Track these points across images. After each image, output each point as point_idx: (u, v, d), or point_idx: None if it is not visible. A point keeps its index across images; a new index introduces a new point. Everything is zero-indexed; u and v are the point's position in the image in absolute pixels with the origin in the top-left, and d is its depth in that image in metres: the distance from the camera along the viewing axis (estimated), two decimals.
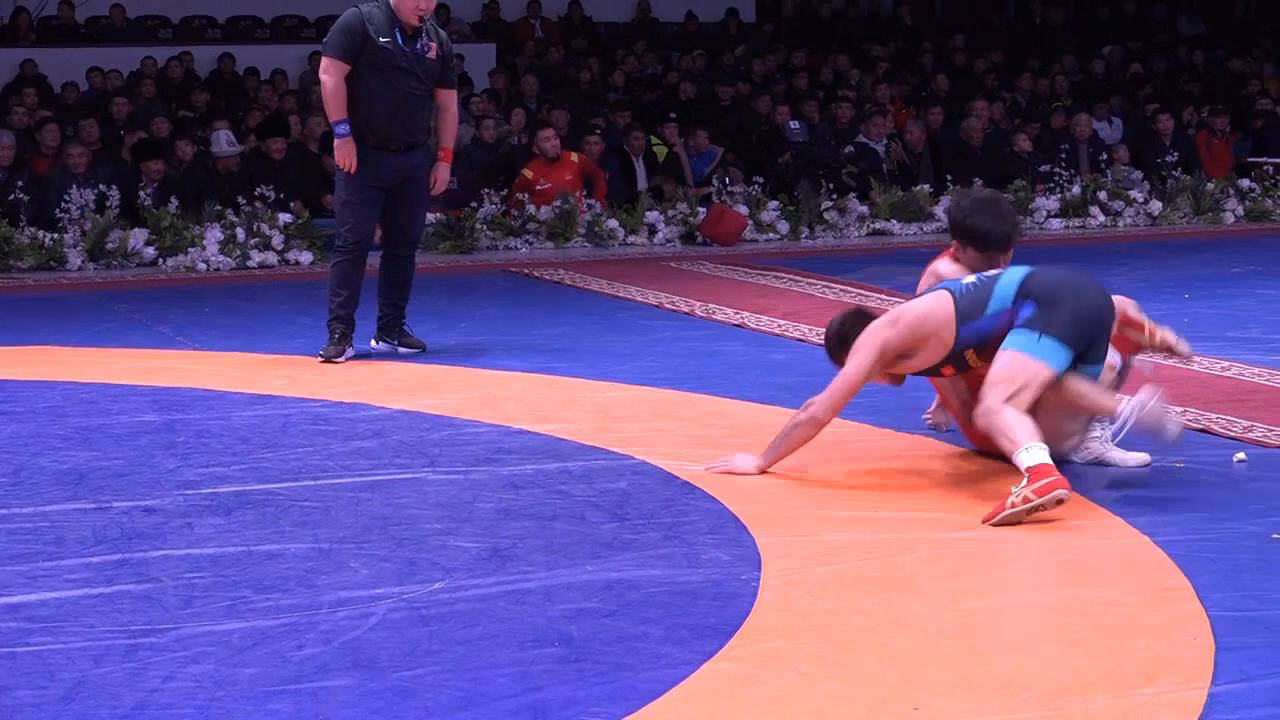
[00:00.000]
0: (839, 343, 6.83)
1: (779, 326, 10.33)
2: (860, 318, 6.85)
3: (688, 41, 22.65)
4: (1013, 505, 5.90)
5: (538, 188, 15.42)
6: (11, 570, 5.42)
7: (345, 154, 9.25)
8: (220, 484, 6.56)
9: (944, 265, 7.36)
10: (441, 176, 9.61)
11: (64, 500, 6.32)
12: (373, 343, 9.61)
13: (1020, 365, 6.35)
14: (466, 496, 6.35)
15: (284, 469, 6.79)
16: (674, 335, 10.15)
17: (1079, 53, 23.22)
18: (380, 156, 9.33)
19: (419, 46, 9.35)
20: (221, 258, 13.73)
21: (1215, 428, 7.41)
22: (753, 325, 10.41)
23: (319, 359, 9.26)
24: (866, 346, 6.67)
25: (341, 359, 9.27)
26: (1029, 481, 5.93)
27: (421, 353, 9.52)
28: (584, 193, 15.49)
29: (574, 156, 15.79)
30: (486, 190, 15.20)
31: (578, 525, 5.95)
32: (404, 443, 7.24)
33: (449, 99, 9.66)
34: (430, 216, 14.77)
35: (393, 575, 5.37)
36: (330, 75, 9.27)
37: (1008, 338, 6.44)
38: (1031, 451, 6.06)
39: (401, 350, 9.57)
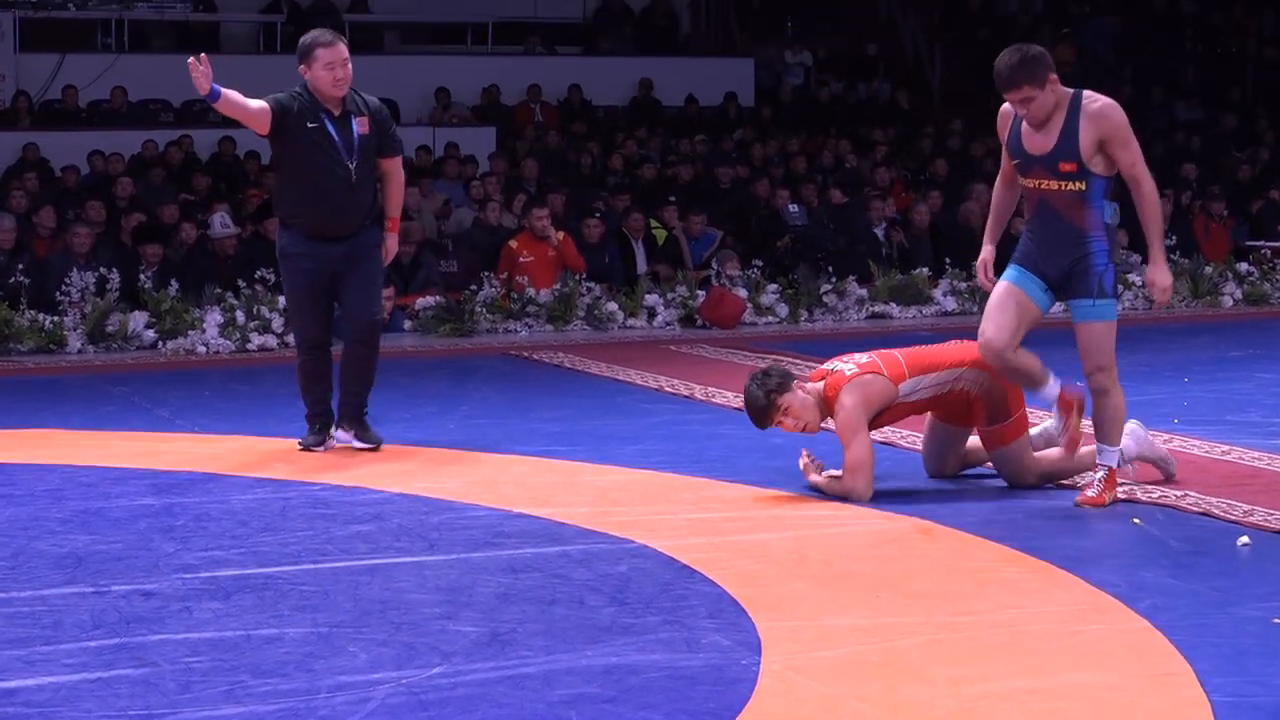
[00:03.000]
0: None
1: None
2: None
3: (687, 125, 22.75)
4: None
5: (519, 259, 15.51)
6: (9, 654, 5.40)
7: (196, 70, 8.46)
8: (219, 568, 6.54)
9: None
10: (390, 247, 9.19)
11: (62, 584, 6.30)
12: (333, 430, 9.20)
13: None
14: (466, 580, 6.33)
15: (283, 552, 6.78)
16: (674, 418, 10.15)
17: None
18: (316, 246, 8.92)
19: (352, 125, 8.91)
20: (221, 341, 13.75)
21: (1216, 511, 7.40)
22: None
23: (298, 447, 9.10)
24: None
25: (322, 448, 9.06)
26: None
27: (376, 450, 9.02)
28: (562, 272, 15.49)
29: (558, 237, 15.78)
30: (486, 274, 15.23)
31: (577, 609, 5.93)
32: (403, 526, 7.23)
33: (392, 166, 9.17)
34: (429, 300, 14.81)
35: (391, 660, 5.35)
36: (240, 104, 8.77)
37: None
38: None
39: (358, 444, 9.07)
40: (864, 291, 16.18)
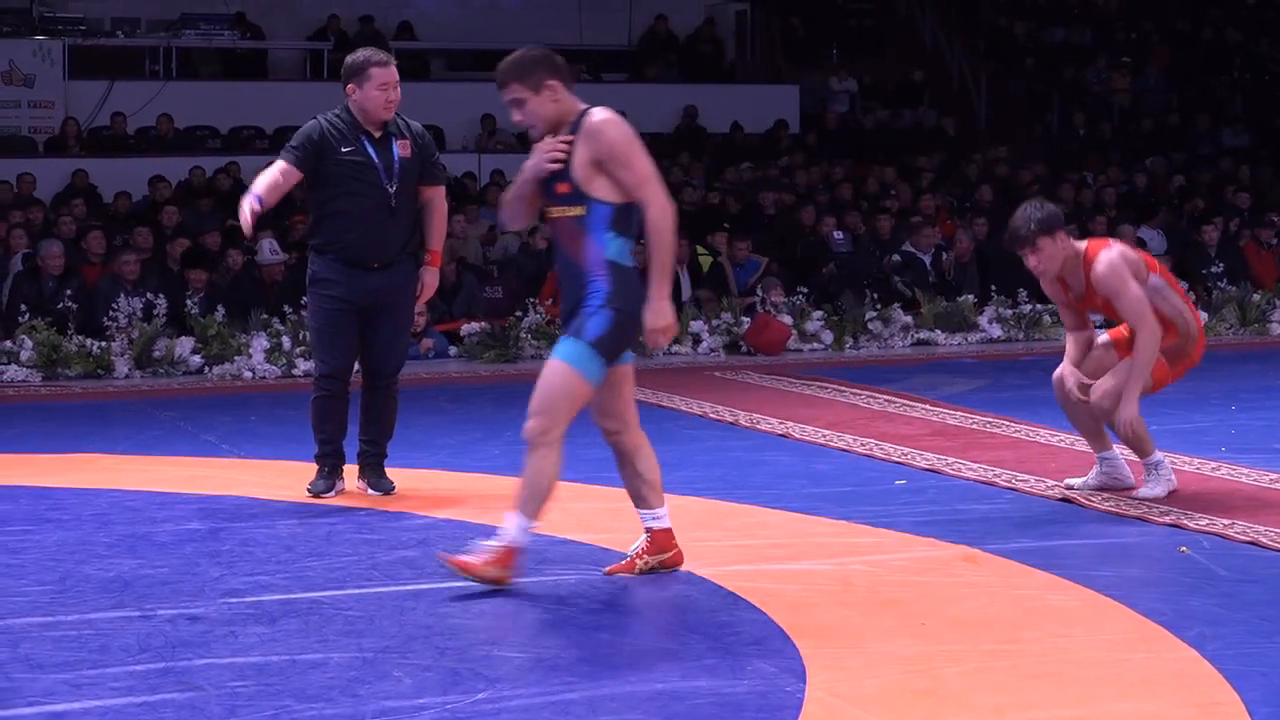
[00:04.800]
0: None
1: (823, 436, 10.31)
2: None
3: (732, 152, 22.77)
4: None
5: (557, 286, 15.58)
6: (56, 678, 5.42)
7: (243, 213, 8.32)
8: (265, 592, 6.56)
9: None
10: (429, 282, 8.73)
11: (109, 608, 6.32)
12: (357, 482, 8.73)
13: None
14: (510, 606, 6.34)
15: (328, 577, 6.79)
16: (718, 445, 10.14)
17: (1122, 164, 23.26)
18: (350, 274, 8.49)
19: (393, 150, 8.52)
20: (267, 366, 13.80)
21: (1264, 540, 7.36)
22: (797, 435, 10.40)
23: (306, 492, 8.62)
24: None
25: (331, 494, 8.58)
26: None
27: (388, 495, 8.63)
28: None
29: None
30: (531, 300, 15.25)
31: (621, 636, 5.94)
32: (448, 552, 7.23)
33: (435, 195, 8.71)
34: (474, 326, 14.84)
35: (436, 685, 5.35)
36: (264, 174, 8.53)
37: None
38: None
39: (371, 492, 8.63)
40: (909, 318, 16.15)
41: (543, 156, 6.60)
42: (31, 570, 6.92)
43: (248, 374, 13.72)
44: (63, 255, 15.15)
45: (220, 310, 14.23)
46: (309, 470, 8.79)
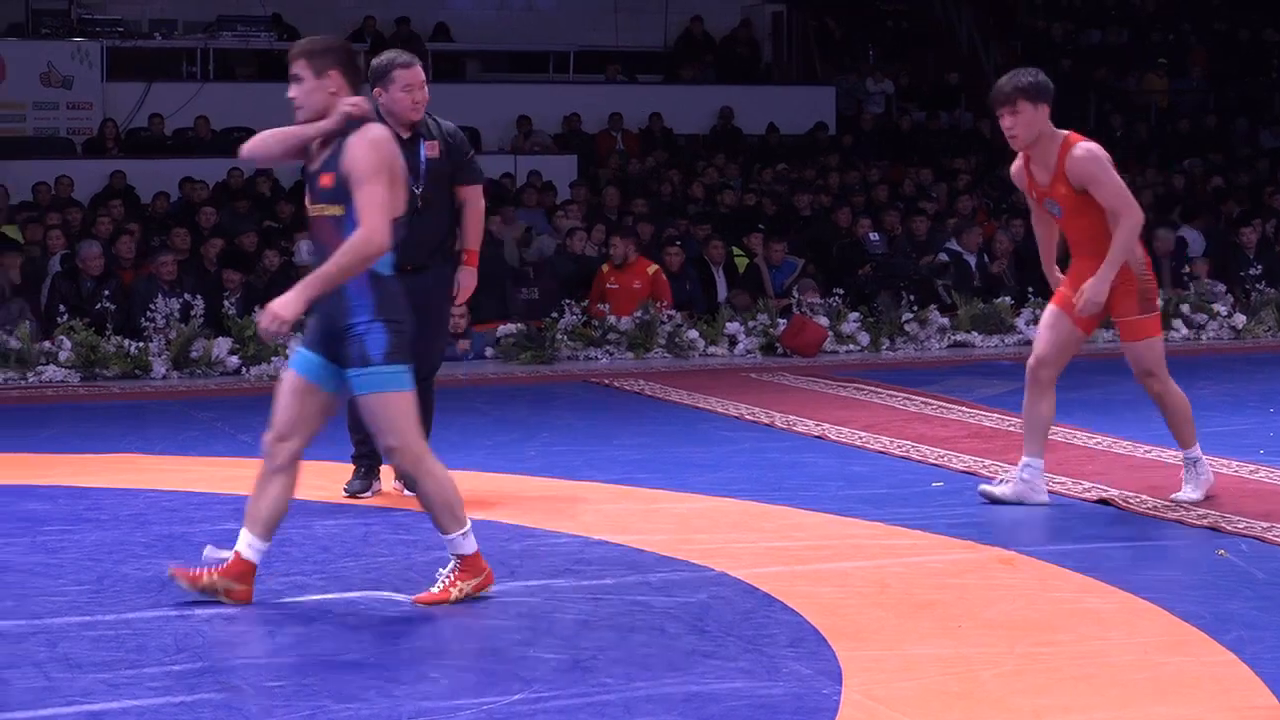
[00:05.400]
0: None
1: (860, 438, 10.30)
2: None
3: (768, 153, 22.76)
4: None
5: (607, 286, 15.62)
6: (94, 678, 5.44)
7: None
8: (302, 592, 6.58)
9: None
10: (465, 283, 8.66)
11: (147, 607, 6.35)
12: (394, 483, 8.66)
13: None
14: (547, 607, 6.34)
15: (365, 578, 6.81)
16: (754, 446, 10.13)
17: (1160, 166, 23.19)
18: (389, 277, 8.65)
19: (419, 151, 8.46)
20: None
21: None
22: (833, 437, 10.39)
23: (343, 493, 8.64)
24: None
25: (367, 494, 8.64)
26: None
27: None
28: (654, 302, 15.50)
29: (650, 268, 15.87)
30: (567, 301, 15.27)
31: (657, 637, 5.94)
32: (484, 552, 7.20)
33: (470, 194, 8.63)
34: (510, 327, 14.85)
35: (472, 686, 5.36)
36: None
37: None
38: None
39: (408, 493, 8.44)
40: (945, 320, 16.12)
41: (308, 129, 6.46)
42: (70, 570, 6.95)
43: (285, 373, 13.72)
44: (101, 256, 15.21)
45: (257, 311, 14.25)
46: (346, 471, 8.81)
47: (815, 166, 22.05)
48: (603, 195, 19.80)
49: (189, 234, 16.28)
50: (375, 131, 6.35)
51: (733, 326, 15.42)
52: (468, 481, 8.93)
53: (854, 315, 15.76)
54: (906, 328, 15.89)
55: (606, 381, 13.42)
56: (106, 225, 16.63)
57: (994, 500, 8.26)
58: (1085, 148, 8.02)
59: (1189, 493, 8.24)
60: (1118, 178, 8.05)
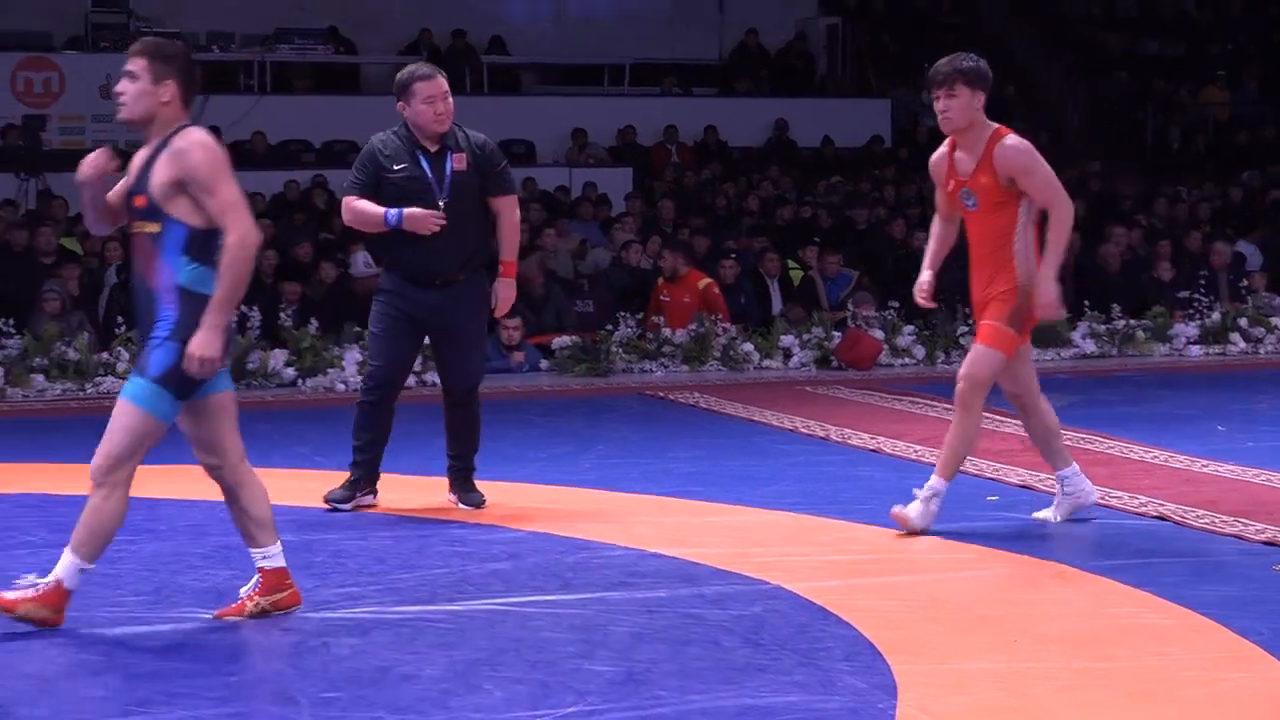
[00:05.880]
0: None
1: (915, 452, 10.28)
2: None
3: (823, 166, 22.74)
4: None
5: (660, 298, 15.66)
6: (152, 687, 5.47)
7: (417, 219, 8.31)
8: (357, 604, 6.60)
9: None
10: (503, 295, 8.58)
11: (204, 618, 6.37)
12: (448, 495, 8.75)
13: None
14: (601, 620, 6.35)
15: (420, 590, 6.82)
16: (809, 459, 10.12)
17: (1217, 178, 23.08)
18: (411, 289, 8.49)
19: (446, 164, 8.46)
20: (360, 378, 13.84)
21: None
22: (889, 450, 10.37)
23: (324, 501, 8.62)
24: None
25: (346, 506, 8.53)
26: None
27: (479, 509, 8.58)
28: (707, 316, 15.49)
29: (701, 282, 15.87)
30: (622, 314, 15.28)
31: (712, 650, 5.93)
32: (539, 565, 7.26)
33: (502, 206, 8.59)
34: (565, 340, 14.87)
35: (527, 698, 5.36)
36: (347, 210, 8.57)
37: None
38: None
39: (462, 506, 8.62)
40: None
41: (86, 164, 6.37)
42: (128, 580, 6.99)
43: (340, 386, 13.79)
44: None
45: (313, 323, 14.32)
46: (401, 482, 8.84)
47: (870, 179, 22.02)
48: (658, 208, 19.81)
49: None
50: (198, 134, 6.17)
51: (787, 339, 15.41)
52: (523, 493, 8.97)
53: (909, 328, 15.72)
54: (962, 341, 15.83)
55: (661, 394, 13.43)
56: None
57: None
58: (1017, 139, 7.87)
59: (912, 521, 7.85)
60: (1049, 169, 7.84)
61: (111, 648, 5.94)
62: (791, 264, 17.49)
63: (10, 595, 6.13)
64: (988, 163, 7.83)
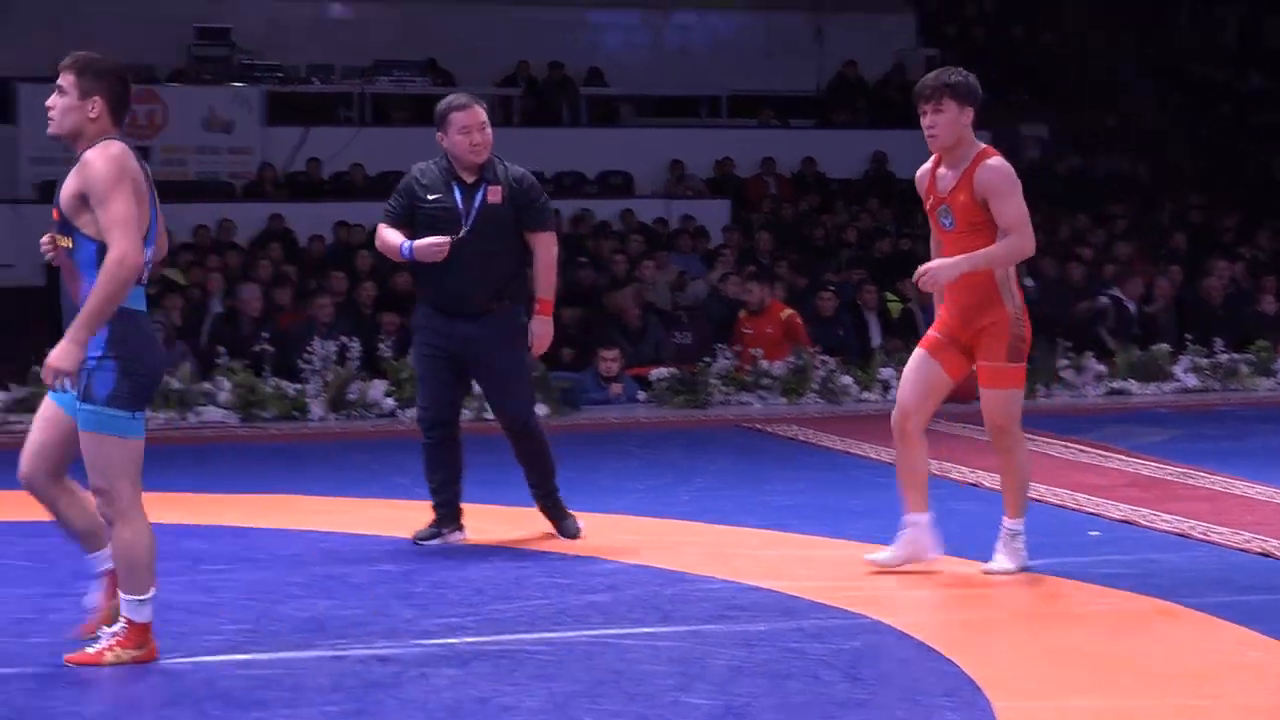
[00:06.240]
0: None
1: None
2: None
3: (919, 198, 22.65)
4: None
5: (742, 330, 15.63)
6: (251, 716, 5.50)
7: (422, 249, 8.28)
8: (456, 634, 6.61)
9: None
10: (539, 333, 8.51)
11: (302, 647, 6.40)
12: (549, 525, 8.76)
13: None
14: (699, 653, 6.33)
15: (519, 621, 6.83)
16: None
17: None
18: (442, 322, 8.49)
19: (478, 195, 8.44)
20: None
21: None
22: (988, 484, 10.29)
23: (411, 539, 8.57)
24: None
25: (431, 542, 8.49)
26: None
27: (574, 539, 8.59)
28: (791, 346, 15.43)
29: (784, 313, 15.84)
30: (720, 345, 15.27)
31: (811, 684, 5.90)
32: (637, 597, 7.25)
33: (540, 241, 8.49)
34: (663, 371, 14.86)
35: None
36: (376, 238, 8.69)
37: None
38: None
39: (560, 536, 8.65)
40: (1103, 367, 15.94)
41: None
42: (228, 609, 7.03)
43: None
44: (260, 298, 15.43)
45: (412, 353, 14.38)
46: (500, 514, 8.85)
47: None
48: (755, 240, 19.79)
49: (346, 277, 16.47)
50: (114, 148, 6.10)
51: (886, 372, 15.34)
52: (621, 525, 8.97)
53: None
54: (1062, 374, 15.73)
55: (759, 426, 13.40)
56: (265, 268, 16.87)
57: (881, 567, 7.70)
58: (1001, 161, 7.63)
59: (1003, 563, 7.71)
60: (1023, 203, 7.57)
61: (212, 676, 5.97)
62: (890, 296, 17.43)
63: (92, 650, 6.12)
64: (967, 180, 7.59)
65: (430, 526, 8.61)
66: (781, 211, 21.70)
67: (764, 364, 15.09)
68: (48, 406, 6.29)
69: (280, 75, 23.13)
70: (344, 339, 14.50)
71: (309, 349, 14.35)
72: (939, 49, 26.29)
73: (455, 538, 8.61)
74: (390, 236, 8.50)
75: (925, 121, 7.65)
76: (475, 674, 6.03)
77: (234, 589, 7.42)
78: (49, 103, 6.23)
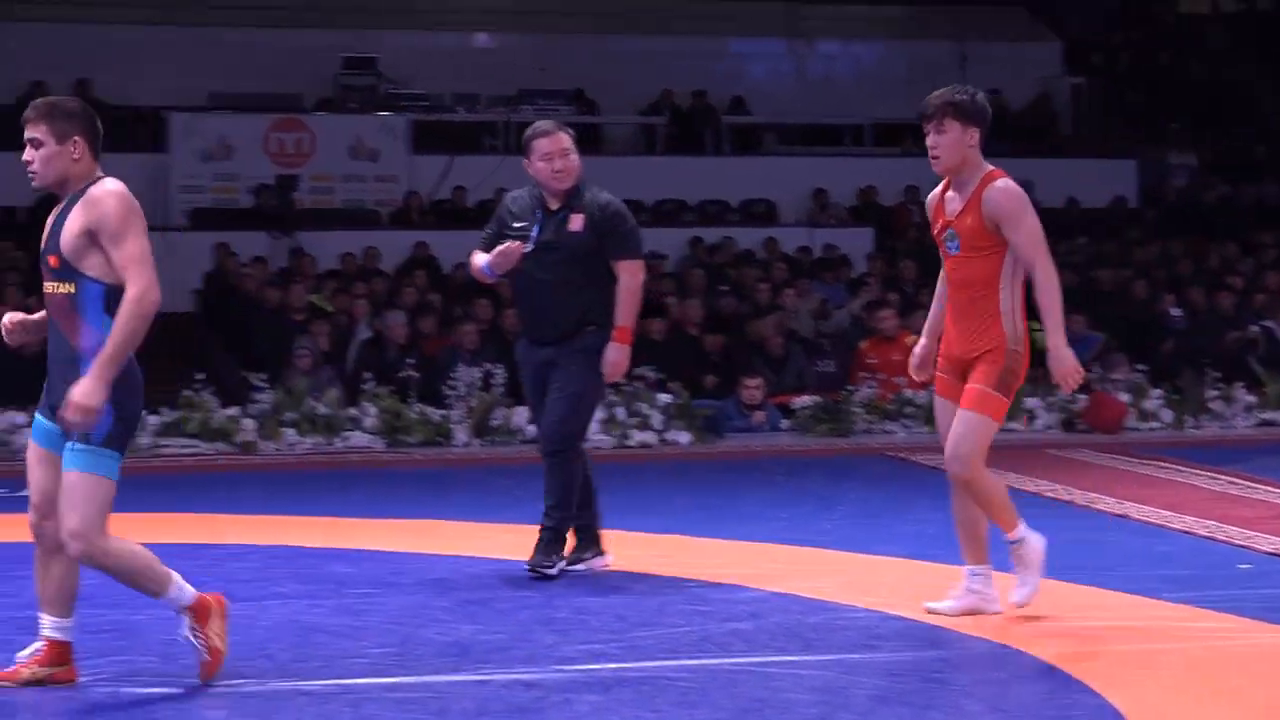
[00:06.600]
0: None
1: (1163, 517, 10.09)
2: None
3: (1067, 226, 22.46)
4: None
5: (866, 360, 15.52)
6: None
7: (495, 258, 8.39)
8: (598, 661, 6.61)
9: None
10: (612, 359, 8.39)
11: (447, 671, 6.43)
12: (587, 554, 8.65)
13: None
14: (842, 682, 6.29)
15: (661, 648, 6.82)
16: (1054, 524, 9.90)
17: None
18: (531, 350, 8.57)
19: (561, 222, 8.45)
20: (602, 436, 13.95)
21: None
22: (1136, 516, 10.19)
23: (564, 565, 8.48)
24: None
25: (550, 570, 8.31)
26: None
27: (532, 573, 8.31)
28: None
29: (909, 339, 15.74)
30: (864, 374, 15.21)
31: (954, 715, 5.86)
32: (780, 625, 7.22)
33: (622, 269, 8.39)
34: (806, 399, 14.83)
35: None
36: (470, 263, 8.79)
37: None
38: None
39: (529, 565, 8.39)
40: (1253, 398, 15.72)
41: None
42: (373, 632, 7.08)
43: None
44: (406, 325, 15.56)
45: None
46: (641, 540, 8.86)
47: (1117, 240, 21.72)
48: (899, 268, 19.71)
49: (490, 304, 16.57)
50: (118, 184, 6.04)
51: (1032, 402, 15.23)
52: (764, 553, 8.95)
53: (1157, 392, 15.46)
54: (1211, 405, 15.53)
55: (903, 455, 13.33)
56: (410, 295, 17.01)
57: (942, 615, 7.34)
58: (1010, 183, 7.22)
59: (1027, 580, 7.34)
60: (1038, 224, 7.21)
61: (358, 699, 6.00)
62: (1035, 325, 17.24)
63: (23, 668, 6.12)
64: (975, 203, 7.20)
65: (574, 551, 8.60)
66: (925, 240, 21.57)
67: (907, 392, 15.01)
68: (39, 451, 6.19)
69: (426, 104, 23.35)
70: (488, 365, 14.59)
71: (453, 375, 14.46)
72: (1084, 77, 26.09)
73: (599, 563, 8.61)
74: (476, 259, 8.61)
75: (929, 142, 7.26)
76: (618, 700, 6.03)
77: (379, 613, 7.48)
78: (26, 157, 6.08)
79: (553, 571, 8.31)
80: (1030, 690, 6.20)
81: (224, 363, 15.94)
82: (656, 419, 14.18)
